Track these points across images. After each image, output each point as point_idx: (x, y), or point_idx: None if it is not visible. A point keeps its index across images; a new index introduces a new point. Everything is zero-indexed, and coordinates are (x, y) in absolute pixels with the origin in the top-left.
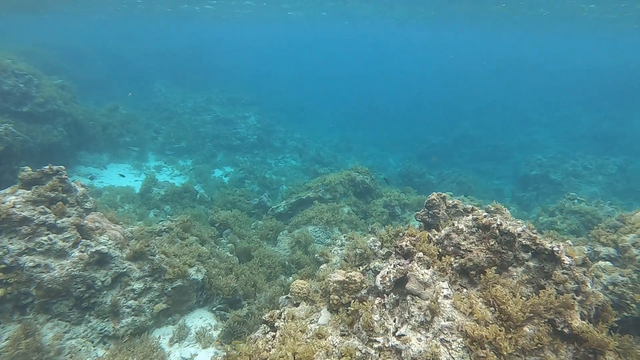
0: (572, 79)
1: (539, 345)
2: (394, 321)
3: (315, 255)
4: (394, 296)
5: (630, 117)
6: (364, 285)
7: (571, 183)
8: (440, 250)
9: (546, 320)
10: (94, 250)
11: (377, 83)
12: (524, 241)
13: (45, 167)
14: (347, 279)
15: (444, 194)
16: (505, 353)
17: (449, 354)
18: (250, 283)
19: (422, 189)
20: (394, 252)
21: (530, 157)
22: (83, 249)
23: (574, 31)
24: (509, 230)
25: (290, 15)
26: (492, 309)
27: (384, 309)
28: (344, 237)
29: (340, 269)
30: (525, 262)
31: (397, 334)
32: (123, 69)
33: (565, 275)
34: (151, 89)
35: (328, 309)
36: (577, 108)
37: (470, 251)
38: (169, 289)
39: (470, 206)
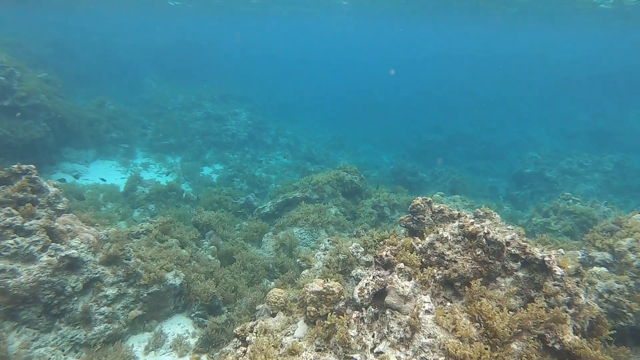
0: (567, 75)
1: None
2: (373, 336)
3: (297, 260)
4: (372, 310)
5: (626, 113)
6: (342, 296)
7: (567, 181)
8: (423, 260)
9: (536, 336)
10: (63, 255)
11: (371, 80)
12: (513, 250)
13: (14, 166)
14: (324, 290)
15: (429, 199)
16: None
17: None
18: (230, 288)
19: (415, 187)
20: (373, 263)
21: (525, 154)
22: (52, 253)
23: (569, 27)
24: (496, 239)
25: (283, 11)
26: (477, 324)
27: (362, 323)
28: (328, 241)
29: (321, 275)
30: (515, 273)
31: (375, 350)
32: (113, 63)
33: (556, 287)
34: (141, 83)
35: (305, 321)
36: (572, 105)
37: (455, 261)
38: (145, 295)
39: (456, 212)
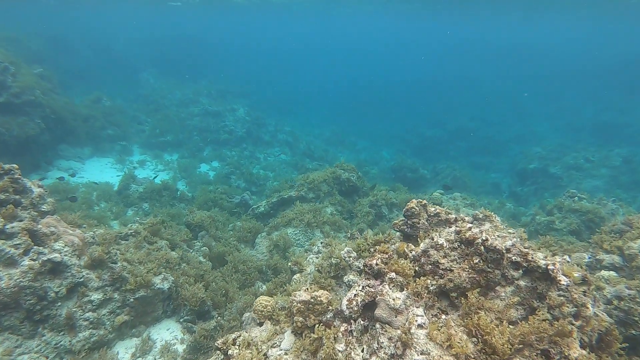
0: (571, 67)
1: None
2: (362, 351)
3: (289, 263)
4: (362, 322)
5: (634, 106)
6: (331, 307)
7: (572, 177)
8: (416, 268)
9: (539, 351)
10: (46, 259)
11: (370, 75)
12: (513, 257)
13: None
14: (312, 299)
15: (424, 201)
16: None
17: None
18: (221, 292)
19: (415, 184)
20: (363, 272)
21: (529, 149)
22: (35, 257)
23: (573, 18)
24: (495, 247)
25: (281, 5)
26: (474, 339)
27: (350, 337)
28: (321, 243)
29: (312, 281)
30: (515, 282)
31: None
32: (111, 59)
33: (561, 298)
34: (138, 79)
35: (293, 332)
36: (577, 97)
37: (451, 270)
38: (131, 300)
39: (453, 216)
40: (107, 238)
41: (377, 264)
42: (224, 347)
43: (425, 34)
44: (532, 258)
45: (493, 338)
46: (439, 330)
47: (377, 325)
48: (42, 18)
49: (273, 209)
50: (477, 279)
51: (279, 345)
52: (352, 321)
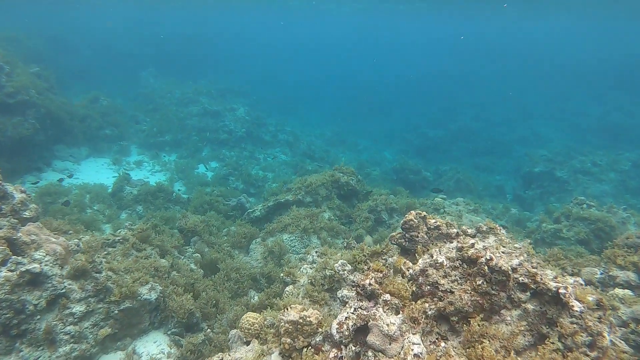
0: (577, 67)
1: None
2: None
3: (281, 274)
4: (353, 348)
5: None
6: (321, 329)
7: (579, 180)
8: (414, 289)
9: None
10: (24, 270)
11: (373, 74)
12: (520, 278)
13: None
14: (301, 320)
15: (423, 213)
16: None
17: None
18: (211, 302)
19: (417, 186)
20: (355, 292)
21: (534, 152)
22: (13, 268)
23: (579, 16)
24: (500, 267)
25: (283, 3)
26: None
27: None
28: (316, 252)
29: (305, 294)
30: (522, 305)
31: None
32: (111, 57)
33: (574, 326)
34: (138, 78)
35: (280, 354)
36: (584, 98)
37: (452, 292)
38: (116, 312)
39: (455, 230)
40: (93, 245)
41: (370, 284)
42: None
43: (428, 32)
44: (541, 279)
45: None
46: None
47: (370, 353)
48: (43, 17)
49: (269, 213)
50: (480, 302)
51: None
52: (342, 347)
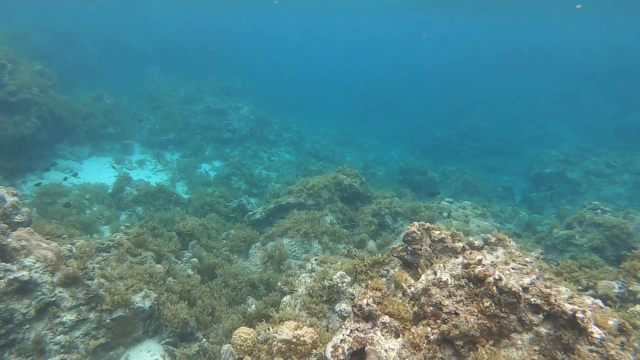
0: (591, 66)
1: None
2: None
3: (279, 283)
4: None
5: None
6: (316, 350)
7: (592, 183)
8: (415, 309)
9: None
10: (12, 277)
11: (380, 73)
12: (532, 299)
13: None
14: (294, 339)
15: (427, 224)
16: None
17: None
18: (207, 310)
19: (424, 187)
20: (352, 313)
21: (545, 152)
22: (1, 275)
23: (594, 14)
24: (511, 289)
25: (291, 2)
26: None
27: None
28: (315, 260)
29: (302, 306)
30: (535, 328)
31: None
32: (117, 54)
33: (594, 354)
34: (143, 75)
35: None
36: (598, 98)
37: (457, 314)
38: (108, 321)
39: (461, 244)
40: (86, 251)
41: (368, 304)
42: None
43: (439, 30)
44: (556, 300)
45: None
46: None
47: None
48: (49, 14)
49: (270, 216)
50: (488, 325)
51: None
52: None
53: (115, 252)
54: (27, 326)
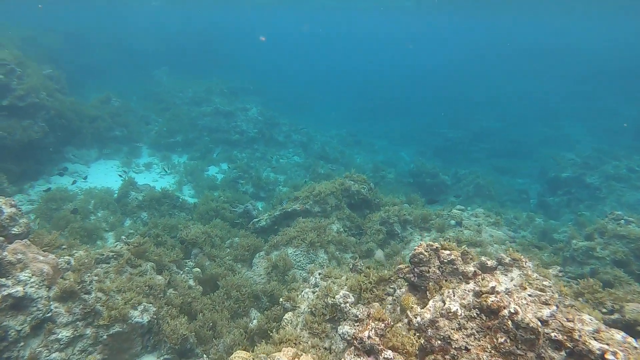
0: (609, 65)
1: None
2: None
3: (281, 299)
4: None
5: None
6: None
7: (612, 188)
8: (422, 341)
9: None
10: (6, 293)
11: (390, 73)
12: (553, 334)
13: None
14: None
15: (435, 245)
16: None
17: None
18: (207, 325)
19: (435, 191)
20: (352, 346)
21: (561, 155)
22: None
23: (610, 11)
24: (528, 324)
25: (300, 2)
26: None
27: None
28: (319, 274)
29: (304, 326)
30: None
31: None
32: (126, 56)
33: None
34: (152, 76)
35: None
36: (617, 98)
37: (467, 349)
38: (105, 337)
39: (472, 269)
40: (85, 263)
41: (369, 337)
42: None
43: (449, 31)
44: (580, 337)
45: None
46: None
47: None
48: (59, 15)
49: (275, 223)
50: None
51: None
52: None
53: (114, 263)
54: (22, 343)
